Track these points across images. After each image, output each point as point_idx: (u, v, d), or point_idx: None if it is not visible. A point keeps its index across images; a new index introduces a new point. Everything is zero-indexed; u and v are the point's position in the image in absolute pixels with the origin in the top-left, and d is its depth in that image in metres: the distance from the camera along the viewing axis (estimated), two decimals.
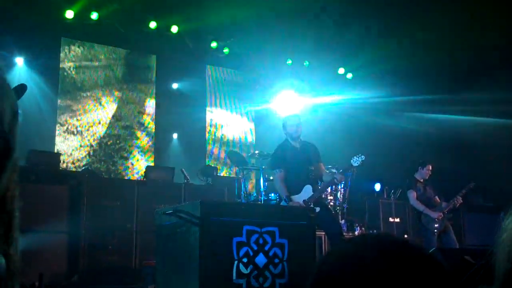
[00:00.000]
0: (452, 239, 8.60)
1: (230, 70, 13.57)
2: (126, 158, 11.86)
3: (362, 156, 6.86)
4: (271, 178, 9.98)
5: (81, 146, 11.34)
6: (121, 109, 12.01)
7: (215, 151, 13.19)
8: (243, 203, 9.08)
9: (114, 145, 11.79)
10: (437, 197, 8.92)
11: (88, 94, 11.62)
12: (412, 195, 8.82)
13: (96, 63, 11.79)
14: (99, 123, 11.66)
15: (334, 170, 9.70)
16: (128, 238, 8.34)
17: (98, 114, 11.68)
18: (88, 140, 11.46)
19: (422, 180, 8.96)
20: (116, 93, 12.01)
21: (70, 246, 7.94)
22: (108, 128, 11.73)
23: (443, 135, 12.32)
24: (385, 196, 11.36)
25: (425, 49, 11.69)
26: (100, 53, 11.89)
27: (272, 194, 9.53)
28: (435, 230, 8.52)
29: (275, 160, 7.05)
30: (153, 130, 12.34)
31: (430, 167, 8.99)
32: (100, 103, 11.76)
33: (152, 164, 11.88)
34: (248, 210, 5.40)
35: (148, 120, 12.37)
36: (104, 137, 11.67)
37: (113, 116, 11.86)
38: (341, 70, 13.69)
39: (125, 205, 8.40)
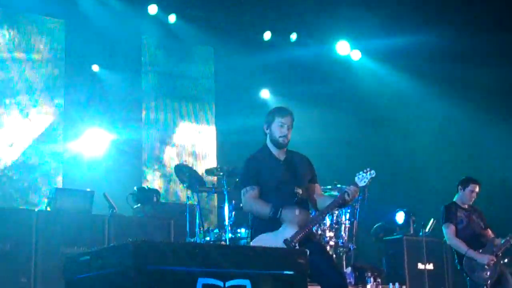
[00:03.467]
0: None
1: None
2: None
3: (372, 171, 6.80)
4: (241, 205, 10.04)
5: None
6: None
7: (159, 167, 13.26)
8: (198, 243, 9.04)
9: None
10: (489, 230, 8.99)
11: None
12: (450, 230, 8.94)
13: None
14: None
15: (335, 193, 9.80)
16: None
17: None
18: None
19: (466, 206, 9.04)
20: None
21: None
22: None
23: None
24: (411, 232, 11.43)
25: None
26: None
27: (243, 230, 9.53)
28: (483, 282, 8.59)
29: (246, 175, 6.98)
30: (60, 135, 12.33)
31: (477, 187, 9.10)
32: None
33: (60, 186, 11.81)
34: (205, 255, 5.35)
35: (51, 121, 12.41)
36: None
37: None
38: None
39: (17, 249, 8.30)
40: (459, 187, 9.11)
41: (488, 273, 8.61)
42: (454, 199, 9.12)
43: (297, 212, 6.61)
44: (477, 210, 9.13)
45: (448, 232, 8.91)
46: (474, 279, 8.65)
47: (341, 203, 6.84)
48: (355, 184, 6.74)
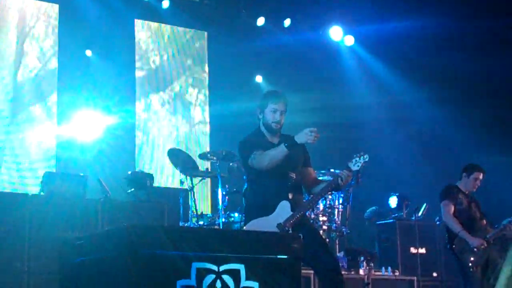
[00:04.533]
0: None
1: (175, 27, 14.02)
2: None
3: (366, 156, 6.76)
4: (234, 189, 10.03)
5: None
6: None
7: (153, 151, 13.24)
8: (192, 228, 9.04)
9: None
10: (484, 220, 8.99)
11: None
12: (448, 208, 8.91)
13: None
14: None
15: (329, 178, 9.77)
16: (16, 283, 8.21)
17: None
18: None
19: (466, 192, 9.05)
20: None
21: None
22: None
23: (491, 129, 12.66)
24: (404, 216, 11.44)
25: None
26: None
27: (236, 215, 9.53)
28: (470, 264, 8.59)
29: (247, 147, 6.89)
30: (54, 120, 12.27)
31: (481, 175, 9.08)
32: None
33: (53, 170, 11.77)
34: (199, 239, 5.33)
35: (49, 104, 12.34)
36: None
37: None
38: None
39: (10, 233, 8.26)
40: (464, 173, 9.07)
41: (476, 257, 8.62)
42: (457, 184, 9.09)
43: (304, 132, 6.52)
44: (476, 199, 9.12)
45: (446, 209, 8.88)
46: (462, 260, 8.67)
47: (334, 187, 6.82)
48: (348, 168, 6.72)
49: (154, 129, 13.61)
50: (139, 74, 13.71)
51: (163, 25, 14.15)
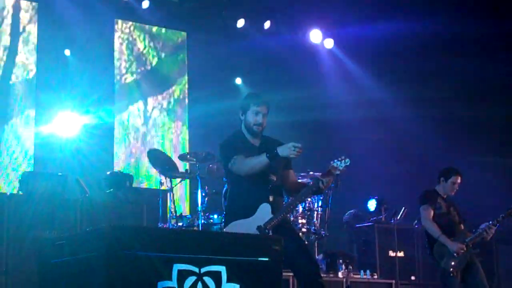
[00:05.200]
0: (479, 282, 8.71)
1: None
2: None
3: (347, 160, 6.76)
4: (214, 191, 10.01)
5: None
6: None
7: (133, 150, 13.21)
8: (172, 229, 9.01)
9: None
10: (463, 224, 9.02)
11: None
12: (427, 212, 8.89)
13: None
14: None
15: (308, 181, 9.78)
16: None
17: None
18: None
19: (445, 196, 9.07)
20: None
21: None
22: None
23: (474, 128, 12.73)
24: (383, 219, 11.47)
25: None
26: None
27: (216, 216, 9.51)
28: (450, 269, 8.63)
29: (227, 150, 6.87)
30: (32, 119, 12.24)
31: (459, 179, 9.08)
32: None
33: (31, 169, 11.71)
34: (181, 241, 5.31)
35: (23, 105, 12.33)
36: None
37: None
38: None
39: None
40: (441, 178, 9.07)
41: (456, 262, 8.64)
42: (435, 188, 9.10)
43: (287, 146, 6.48)
44: (454, 203, 9.13)
45: (425, 214, 8.87)
46: (442, 265, 8.68)
47: (315, 191, 6.81)
48: (328, 173, 6.72)
49: (133, 129, 13.56)
50: (118, 73, 13.65)
51: (142, 25, 14.10)
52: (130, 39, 13.97)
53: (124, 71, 13.74)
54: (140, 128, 13.64)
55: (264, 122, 6.85)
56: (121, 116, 13.52)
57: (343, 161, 6.69)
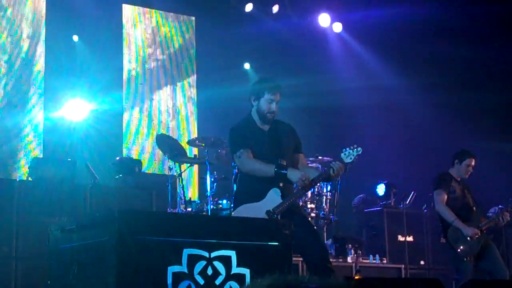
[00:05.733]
0: (497, 263, 8.64)
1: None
2: None
3: (359, 149, 6.77)
4: (223, 176, 10.01)
5: None
6: None
7: (140, 137, 13.21)
8: (182, 214, 9.02)
9: None
10: (477, 208, 8.96)
11: None
12: (441, 197, 8.82)
13: None
14: None
15: (317, 165, 9.78)
16: (4, 268, 8.20)
17: None
18: None
19: (458, 179, 8.99)
20: None
21: None
22: None
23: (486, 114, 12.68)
24: (392, 204, 11.46)
25: None
26: None
27: (225, 201, 9.52)
28: (465, 254, 8.60)
29: (236, 140, 6.89)
30: (40, 105, 12.26)
31: (473, 161, 8.99)
32: None
33: (41, 155, 11.73)
34: (190, 226, 5.32)
35: (32, 91, 12.29)
36: None
37: None
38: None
39: None
40: (455, 160, 8.98)
41: (470, 246, 8.60)
42: (449, 171, 9.02)
43: (299, 174, 6.56)
44: (469, 186, 9.07)
45: (439, 199, 8.80)
46: (456, 250, 8.63)
47: (325, 178, 6.83)
48: (341, 160, 6.73)
49: (142, 115, 13.55)
50: (126, 59, 13.63)
51: (150, 10, 14.06)
52: (139, 23, 13.93)
53: (133, 57, 13.71)
54: (148, 113, 13.62)
55: (276, 109, 6.85)
56: (130, 102, 13.51)
57: (355, 149, 6.71)
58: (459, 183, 8.96)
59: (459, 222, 8.65)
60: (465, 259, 8.57)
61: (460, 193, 8.88)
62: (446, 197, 8.81)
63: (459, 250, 8.61)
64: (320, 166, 10.06)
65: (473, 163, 8.97)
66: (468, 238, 8.59)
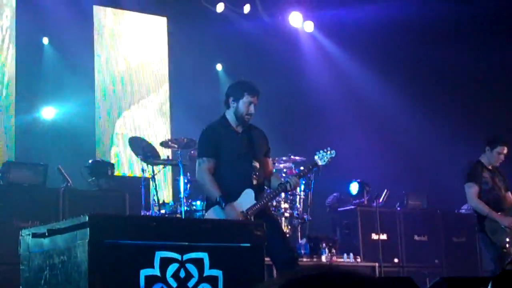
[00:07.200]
0: None
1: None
2: None
3: (332, 151, 6.89)
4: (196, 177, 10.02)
5: None
6: None
7: (113, 140, 13.18)
8: (154, 217, 9.02)
9: None
10: (510, 193, 8.80)
11: None
12: (473, 190, 8.62)
13: None
14: None
15: (290, 165, 9.84)
16: None
17: None
18: None
19: (490, 167, 8.76)
20: None
21: None
22: None
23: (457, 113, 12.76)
24: (365, 202, 11.51)
25: None
26: None
27: (198, 203, 9.53)
28: (503, 245, 8.43)
29: (203, 146, 6.94)
30: (12, 108, 12.19)
31: (505, 149, 8.73)
32: None
33: (13, 159, 11.67)
34: (162, 228, 5.35)
35: (4, 94, 12.25)
36: None
37: None
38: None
39: None
40: (487, 147, 8.72)
41: (509, 236, 8.44)
42: (480, 158, 8.78)
43: (234, 215, 6.60)
44: (501, 172, 8.86)
45: (471, 192, 8.60)
46: (494, 240, 8.46)
47: (283, 191, 7.11)
48: (315, 162, 6.86)
49: (114, 117, 13.51)
50: (98, 61, 13.58)
51: (122, 10, 14.02)
52: (110, 24, 13.89)
53: (105, 58, 13.67)
54: (121, 115, 13.58)
55: (253, 111, 6.89)
56: (102, 104, 13.46)
57: (329, 152, 6.84)
58: (490, 171, 8.73)
59: (494, 214, 8.47)
60: (504, 249, 8.39)
61: (491, 184, 8.65)
62: (477, 190, 8.57)
63: (497, 240, 8.44)
64: (293, 165, 10.13)
65: (505, 151, 8.70)
66: (507, 228, 8.41)
